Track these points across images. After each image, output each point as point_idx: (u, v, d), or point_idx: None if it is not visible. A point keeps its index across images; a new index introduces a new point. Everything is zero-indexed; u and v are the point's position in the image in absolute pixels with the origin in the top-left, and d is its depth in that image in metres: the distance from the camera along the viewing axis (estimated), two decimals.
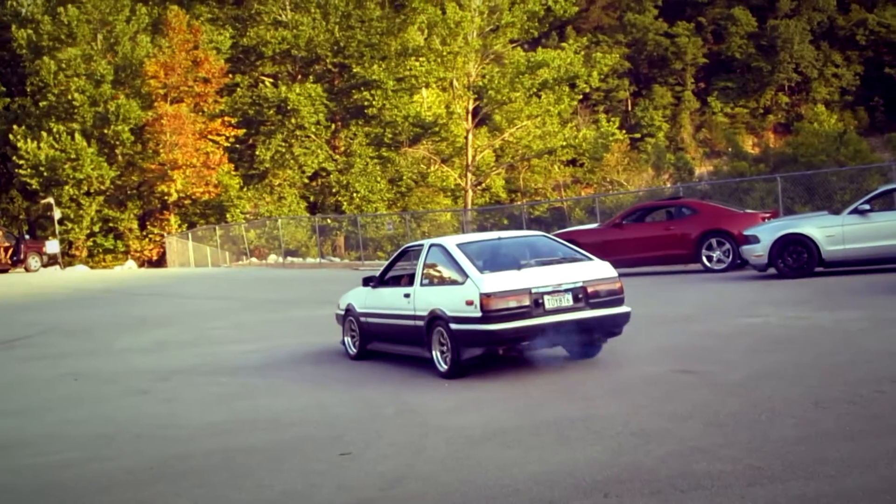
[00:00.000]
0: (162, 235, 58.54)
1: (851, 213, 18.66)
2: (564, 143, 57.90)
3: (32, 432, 10.67)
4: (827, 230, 18.65)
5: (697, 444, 7.72)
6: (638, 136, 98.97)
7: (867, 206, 18.52)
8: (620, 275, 11.94)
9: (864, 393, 8.97)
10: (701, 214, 22.90)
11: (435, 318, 11.82)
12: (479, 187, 62.47)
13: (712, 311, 15.62)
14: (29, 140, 55.86)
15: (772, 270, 19.30)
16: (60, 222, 55.09)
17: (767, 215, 22.64)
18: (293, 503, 7.16)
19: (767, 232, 19.33)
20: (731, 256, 21.84)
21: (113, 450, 9.43)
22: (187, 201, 58.35)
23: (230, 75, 60.40)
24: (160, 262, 58.33)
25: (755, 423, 8.22)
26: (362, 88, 59.49)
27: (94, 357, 16.79)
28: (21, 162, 55.89)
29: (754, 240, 19.42)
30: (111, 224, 58.81)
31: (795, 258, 18.86)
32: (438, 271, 12.29)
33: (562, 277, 11.37)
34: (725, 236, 21.99)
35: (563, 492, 6.79)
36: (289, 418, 10.30)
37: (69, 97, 56.46)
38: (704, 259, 22.22)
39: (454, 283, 11.71)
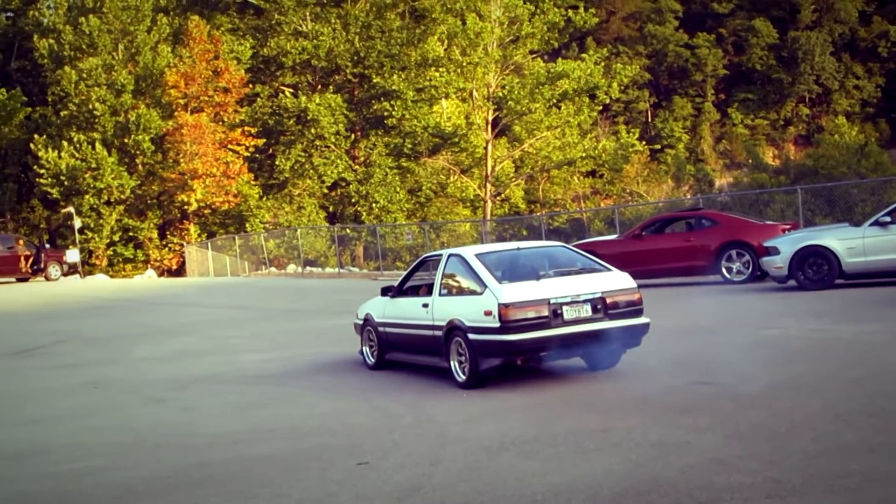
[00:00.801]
0: (181, 245, 58.71)
1: (872, 225, 18.59)
2: (584, 154, 57.73)
3: (51, 440, 10.70)
4: (847, 242, 18.58)
5: (717, 456, 7.69)
6: (658, 147, 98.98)
7: (888, 219, 18.42)
8: (640, 286, 11.91)
9: (885, 406, 8.94)
10: (721, 226, 22.82)
11: (453, 329, 11.82)
12: (498, 198, 62.45)
13: (732, 323, 15.57)
14: (50, 149, 56.19)
15: (792, 282, 19.24)
16: (80, 231, 55.35)
17: (787, 227, 22.56)
18: None
19: (787, 244, 19.27)
20: (750, 268, 21.76)
21: (131, 458, 9.44)
22: (207, 211, 58.54)
23: (250, 85, 60.61)
24: (179, 271, 58.51)
25: (775, 435, 8.19)
26: (382, 99, 59.60)
27: (113, 366, 16.84)
28: (42, 171, 56.23)
29: (774, 251, 19.36)
30: (131, 233, 59.00)
31: (816, 270, 18.80)
32: (457, 281, 12.29)
33: (581, 288, 11.37)
34: (745, 248, 21.91)
35: (581, 503, 6.77)
36: (307, 427, 10.30)
37: (90, 107, 56.79)
38: (724, 270, 22.14)
39: (473, 293, 11.71)
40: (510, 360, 11.32)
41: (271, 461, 8.77)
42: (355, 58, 60.47)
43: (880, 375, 10.40)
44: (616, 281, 11.73)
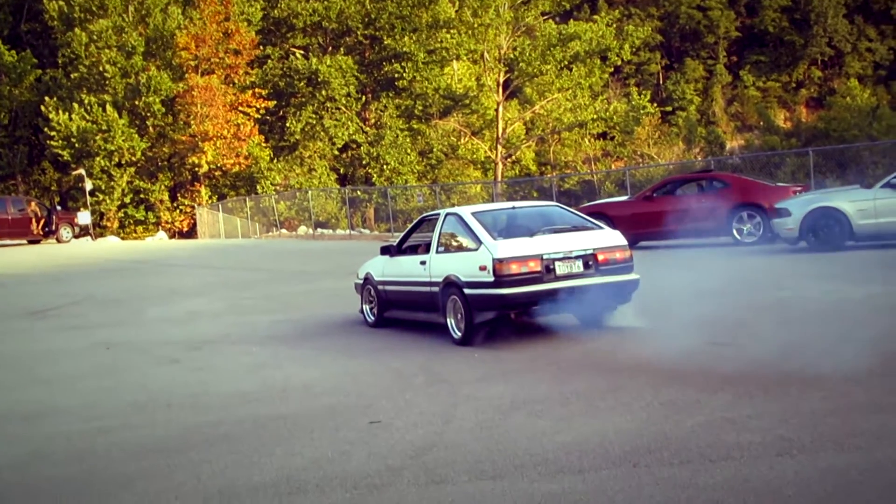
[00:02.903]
0: (192, 207, 58.82)
1: (884, 186, 18.59)
2: (595, 117, 57.71)
3: (65, 400, 10.75)
4: (858, 204, 18.58)
5: (727, 415, 7.72)
6: (669, 109, 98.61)
7: None
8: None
9: (895, 366, 8.94)
10: (732, 188, 22.85)
11: (449, 284, 12.12)
12: (509, 160, 62.41)
13: (743, 285, 15.56)
14: (60, 112, 56.18)
15: (803, 244, 19.27)
16: (92, 193, 55.45)
17: (799, 189, 22.56)
18: (324, 470, 7.17)
19: (799, 206, 19.27)
20: (761, 230, 21.81)
21: (144, 418, 9.48)
22: (218, 173, 58.58)
23: (261, 47, 60.55)
24: (191, 233, 58.66)
25: (785, 395, 8.22)
26: (393, 61, 59.47)
27: (126, 327, 16.89)
28: (53, 133, 56.25)
29: (785, 213, 19.36)
30: (142, 195, 59.12)
31: (827, 232, 18.82)
32: (454, 239, 12.60)
33: (572, 245, 11.66)
34: (756, 209, 21.95)
35: (593, 461, 6.81)
36: (319, 387, 10.34)
37: (100, 69, 56.78)
38: (735, 232, 22.19)
39: (469, 249, 12.02)
40: (504, 313, 11.69)
41: (284, 420, 8.81)
42: (366, 19, 60.35)
43: (891, 336, 10.39)
44: (607, 238, 12.02)
